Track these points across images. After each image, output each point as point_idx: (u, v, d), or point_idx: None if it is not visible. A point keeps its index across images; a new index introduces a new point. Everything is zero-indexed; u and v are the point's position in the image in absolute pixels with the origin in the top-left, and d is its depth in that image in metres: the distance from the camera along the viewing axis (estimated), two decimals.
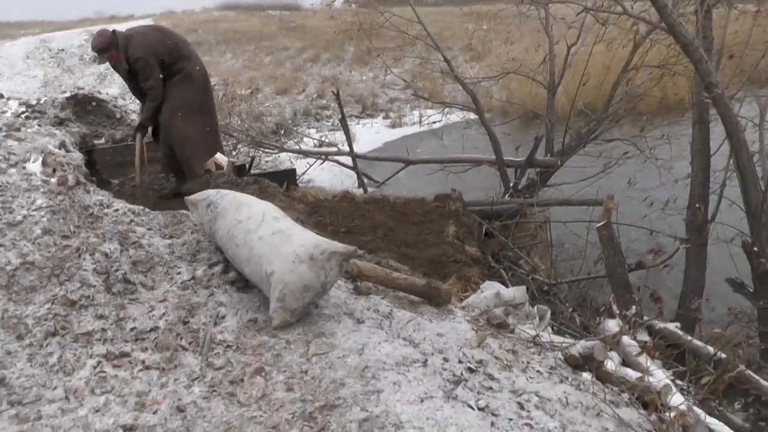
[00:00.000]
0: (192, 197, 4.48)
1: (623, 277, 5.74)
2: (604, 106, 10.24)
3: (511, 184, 9.88)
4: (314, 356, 3.30)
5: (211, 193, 4.34)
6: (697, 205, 6.96)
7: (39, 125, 6.01)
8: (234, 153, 13.73)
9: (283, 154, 15.04)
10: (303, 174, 14.70)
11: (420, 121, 19.88)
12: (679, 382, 4.91)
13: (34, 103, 12.84)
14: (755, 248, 6.06)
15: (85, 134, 6.72)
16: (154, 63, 6.16)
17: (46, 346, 3.39)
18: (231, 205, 4.12)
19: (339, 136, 17.85)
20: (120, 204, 4.87)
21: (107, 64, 6.27)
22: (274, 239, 3.70)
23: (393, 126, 21.05)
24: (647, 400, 3.64)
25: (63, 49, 27.36)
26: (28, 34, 32.94)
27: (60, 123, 15.95)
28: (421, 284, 4.55)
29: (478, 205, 8.98)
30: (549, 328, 5.60)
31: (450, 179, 11.26)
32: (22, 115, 17.23)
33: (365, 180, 13.89)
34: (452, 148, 12.69)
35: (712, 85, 5.82)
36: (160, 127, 6.47)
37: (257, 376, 3.18)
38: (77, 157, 5.41)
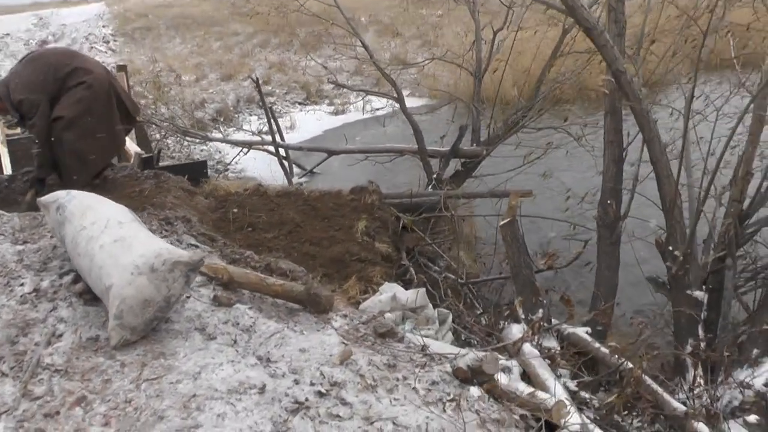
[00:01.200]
0: (44, 198, 4.19)
1: (528, 279, 5.61)
2: (532, 93, 10.13)
3: (434, 176, 9.71)
4: (145, 382, 3.07)
5: (60, 195, 4.05)
6: (609, 201, 6.84)
7: None
8: (158, 144, 13.44)
9: (223, 144, 14.82)
10: (229, 164, 14.51)
11: (363, 109, 19.70)
12: (584, 394, 4.81)
13: None
14: (670, 246, 5.97)
15: None
16: (38, 98, 5.82)
17: None
18: (78, 208, 3.84)
19: (281, 122, 17.66)
20: None
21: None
22: (114, 248, 3.45)
23: (336, 113, 20.94)
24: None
25: (8, 34, 26.73)
26: None
27: None
28: (299, 290, 4.37)
29: (397, 198, 8.80)
30: (450, 334, 5.47)
31: (383, 169, 11.11)
32: None
33: (296, 169, 13.74)
34: (394, 136, 12.47)
35: (619, 72, 5.69)
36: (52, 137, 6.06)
37: (77, 407, 2.94)
38: None
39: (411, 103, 17.22)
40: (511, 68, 10.42)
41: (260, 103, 16.04)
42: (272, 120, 12.74)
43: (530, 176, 9.37)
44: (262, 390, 3.06)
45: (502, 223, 5.61)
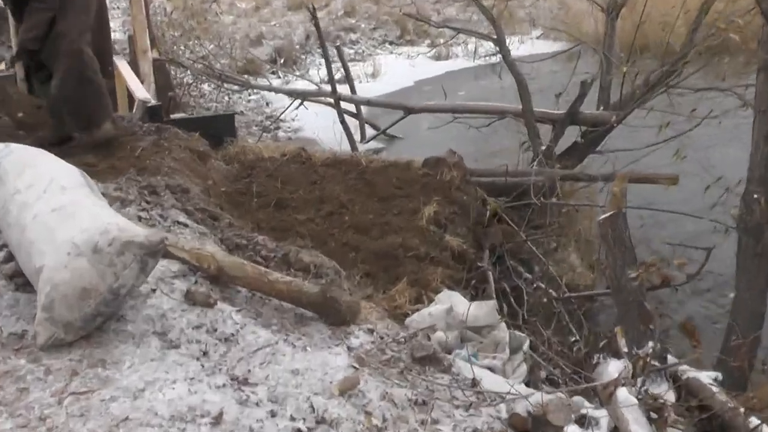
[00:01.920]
0: None
1: (636, 297, 5.47)
2: (685, 40, 9.89)
3: (543, 147, 9.61)
4: (71, 396, 3.16)
5: None
6: (755, 195, 6.57)
7: None
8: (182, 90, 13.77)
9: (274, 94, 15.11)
10: (275, 120, 14.71)
11: (474, 54, 19.60)
12: None
13: None
14: None
15: None
16: None
17: None
18: (15, 166, 3.97)
19: (361, 68, 17.76)
20: None
21: None
22: (51, 219, 3.55)
23: (437, 58, 20.89)
24: None
25: None
26: None
27: None
28: (312, 292, 4.41)
29: (487, 176, 8.78)
30: (524, 366, 5.41)
31: (479, 135, 11.11)
32: None
33: (370, 131, 13.85)
34: (509, 93, 12.36)
35: None
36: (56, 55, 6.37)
37: None
38: None
39: (540, 48, 17.13)
40: (655, 3, 10.14)
41: (336, 41, 16.24)
42: (331, 64, 12.82)
43: (669, 155, 9.15)
44: (217, 420, 3.10)
45: (601, 217, 5.49)
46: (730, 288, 7.35)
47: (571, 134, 10.28)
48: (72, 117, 6.60)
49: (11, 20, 7.07)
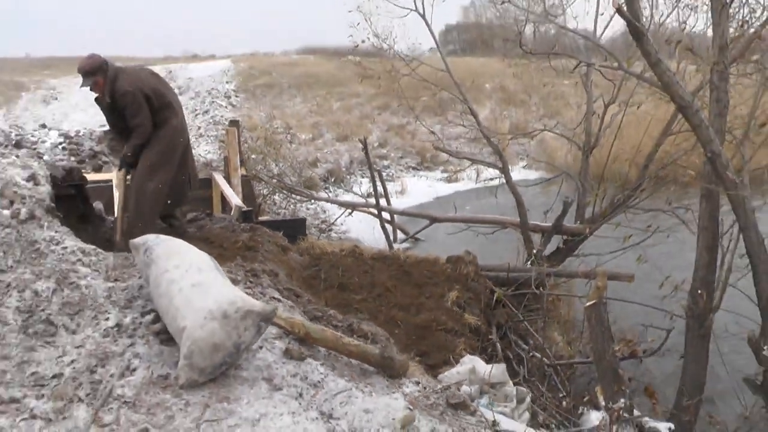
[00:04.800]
0: (135, 240, 4.50)
1: (611, 365, 5.51)
2: (640, 173, 10.05)
3: (535, 251, 9.72)
4: (205, 422, 3.24)
5: (150, 238, 4.36)
6: (699, 291, 6.64)
7: (17, 156, 6.12)
8: (263, 199, 14.00)
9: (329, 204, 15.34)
10: (332, 224, 14.93)
11: (476, 178, 19.91)
12: None
13: (72, 135, 13.23)
14: (764, 346, 5.74)
15: (72, 168, 6.82)
16: (142, 99, 6.21)
17: None
18: (164, 252, 4.12)
19: (392, 187, 18.08)
20: (71, 242, 4.92)
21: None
22: (192, 292, 3.67)
23: (449, 180, 21.25)
24: None
25: None
26: None
27: (93, 156, 16.48)
28: (373, 353, 4.47)
29: (493, 270, 8.86)
30: (527, 414, 5.43)
31: (484, 240, 11.21)
32: (60, 146, 17.89)
33: (400, 234, 14.02)
34: (506, 208, 12.54)
35: (714, 154, 5.63)
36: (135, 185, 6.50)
37: None
38: (44, 191, 5.45)
39: (525, 175, 17.37)
40: (620, 144, 10.35)
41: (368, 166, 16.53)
42: (377, 183, 13.11)
43: (632, 259, 9.22)
44: None
45: (587, 304, 5.56)
46: (678, 361, 7.35)
47: (555, 241, 10.40)
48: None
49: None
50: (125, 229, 6.37)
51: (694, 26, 9.50)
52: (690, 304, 6.72)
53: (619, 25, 10.44)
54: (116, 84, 6.24)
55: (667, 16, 9.79)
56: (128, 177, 6.64)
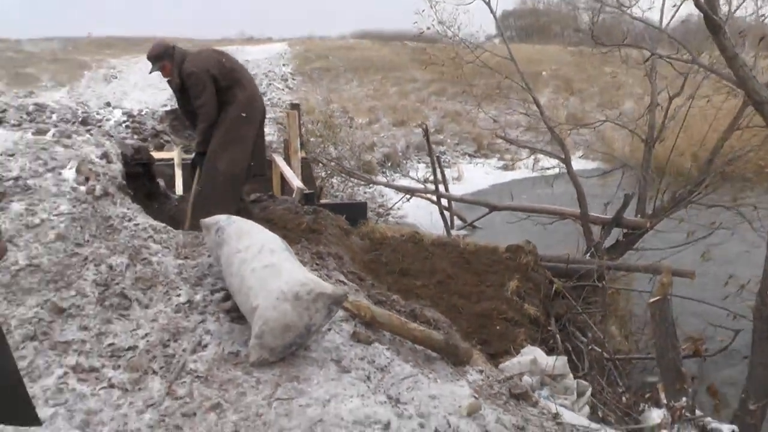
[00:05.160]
0: (206, 220, 4.57)
1: (674, 363, 5.42)
2: (704, 168, 9.86)
3: (594, 243, 9.62)
4: (276, 400, 3.28)
5: (221, 218, 4.42)
6: None
7: (91, 134, 6.25)
8: (322, 182, 14.10)
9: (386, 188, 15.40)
10: (391, 209, 14.96)
11: (533, 167, 19.77)
12: None
13: (135, 114, 13.48)
14: None
15: (140, 147, 6.94)
16: (207, 80, 6.21)
17: (22, 349, 3.51)
18: (235, 232, 4.17)
19: (448, 173, 18.06)
20: (142, 219, 5.03)
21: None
22: (264, 273, 3.72)
23: (505, 168, 21.18)
24: None
25: None
26: None
27: (155, 135, 16.77)
28: (438, 339, 4.48)
29: (552, 261, 8.79)
30: (587, 408, 5.39)
31: (543, 230, 11.12)
32: (123, 124, 18.26)
33: (457, 221, 14.00)
34: (562, 198, 12.44)
35: None
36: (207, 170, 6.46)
37: (212, 412, 3.19)
38: (116, 168, 5.58)
39: (582, 165, 17.22)
40: (684, 138, 10.16)
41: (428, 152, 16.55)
42: (437, 169, 13.06)
43: (692, 255, 9.07)
44: (387, 427, 3.19)
45: (651, 300, 5.48)
46: (743, 363, 7.21)
47: (615, 234, 10.28)
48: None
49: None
50: (195, 209, 6.38)
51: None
52: (759, 305, 6.53)
53: (680, 13, 10.22)
54: (183, 66, 6.30)
55: (738, 6, 9.57)
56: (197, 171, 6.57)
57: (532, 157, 19.30)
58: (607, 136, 19.66)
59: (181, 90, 6.41)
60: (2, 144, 5.28)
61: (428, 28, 11.95)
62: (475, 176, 20.20)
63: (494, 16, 11.06)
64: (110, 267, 4.28)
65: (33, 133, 5.80)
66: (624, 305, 9.28)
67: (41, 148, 5.34)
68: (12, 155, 5.15)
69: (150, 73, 6.50)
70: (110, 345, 3.66)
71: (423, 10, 11.66)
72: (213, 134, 6.35)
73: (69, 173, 5.17)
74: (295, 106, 12.02)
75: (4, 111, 14.79)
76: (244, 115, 6.40)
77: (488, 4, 10.59)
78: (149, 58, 6.37)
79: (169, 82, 6.47)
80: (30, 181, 4.89)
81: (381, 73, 31.60)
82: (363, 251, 7.50)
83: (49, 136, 5.74)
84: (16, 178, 4.88)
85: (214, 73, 6.30)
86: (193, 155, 6.81)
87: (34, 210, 4.67)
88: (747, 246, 9.70)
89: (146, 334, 3.78)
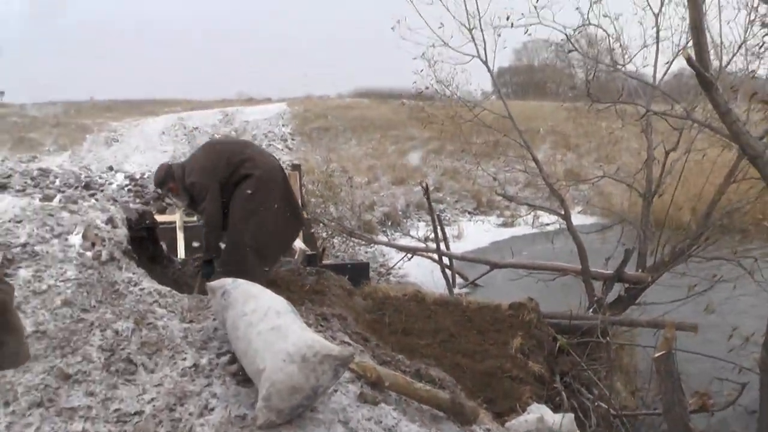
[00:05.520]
0: (212, 283, 4.60)
1: (682, 419, 5.41)
2: (702, 221, 9.92)
3: (596, 299, 9.62)
4: None
5: (227, 282, 4.45)
6: None
7: (96, 200, 6.33)
8: (323, 242, 14.13)
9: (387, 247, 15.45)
10: (392, 268, 14.97)
11: (532, 223, 19.84)
12: None
13: (137, 177, 13.62)
14: None
15: (144, 211, 7.00)
16: (209, 183, 6.28)
17: (28, 416, 3.51)
18: (241, 295, 4.20)
19: (448, 231, 18.09)
20: (148, 284, 5.06)
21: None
22: (270, 335, 3.74)
23: (505, 225, 21.22)
24: None
25: (197, 128, 29.43)
26: (171, 111, 35.56)
27: (157, 198, 16.90)
28: (444, 398, 4.48)
29: (555, 318, 8.79)
30: None
31: (544, 287, 11.12)
32: (126, 188, 18.38)
33: (459, 279, 14.00)
34: (562, 254, 12.45)
35: None
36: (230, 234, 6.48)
37: None
38: (121, 233, 5.63)
39: (582, 220, 17.27)
40: (682, 192, 10.25)
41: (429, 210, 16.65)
42: (437, 228, 13.12)
43: (695, 308, 9.07)
44: None
45: (656, 355, 5.48)
46: (750, 417, 7.17)
47: (617, 289, 10.28)
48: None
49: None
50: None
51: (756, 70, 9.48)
52: (764, 358, 6.49)
53: (673, 67, 10.44)
54: (185, 181, 6.42)
55: (729, 62, 9.76)
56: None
57: (532, 213, 19.36)
58: (606, 191, 19.78)
59: (192, 201, 6.55)
60: (10, 210, 5.34)
61: (427, 88, 12.14)
62: (475, 233, 20.26)
63: (491, 74, 11.26)
64: (116, 332, 4.30)
65: (40, 199, 5.89)
66: (629, 360, 9.24)
67: (48, 214, 5.40)
68: (19, 222, 5.21)
69: (162, 199, 6.61)
70: (116, 410, 3.66)
71: (422, 70, 11.85)
72: (230, 212, 6.37)
73: (75, 239, 5.23)
74: (296, 167, 12.14)
75: (9, 176, 15.05)
76: (249, 192, 6.39)
77: (485, 62, 10.77)
78: (156, 185, 6.59)
79: (176, 199, 6.58)
80: (37, 247, 4.95)
81: (380, 131, 31.95)
82: (366, 311, 7.50)
83: (55, 202, 5.82)
84: (24, 245, 4.94)
85: (218, 172, 6.36)
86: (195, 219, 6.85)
87: (41, 276, 4.71)
88: (750, 298, 9.72)
89: (152, 399, 3.78)
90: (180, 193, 6.51)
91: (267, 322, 3.86)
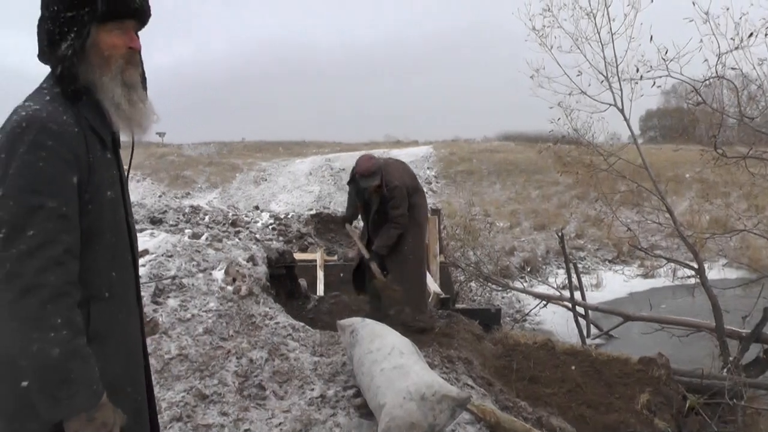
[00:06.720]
0: (343, 321, 4.84)
1: None
2: None
3: (731, 358, 9.22)
4: None
5: (356, 321, 4.69)
6: None
7: (239, 239, 6.75)
8: (460, 286, 14.23)
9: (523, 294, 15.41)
10: (527, 315, 14.87)
11: (673, 275, 19.18)
12: None
13: (282, 216, 14.30)
14: None
15: (284, 251, 7.35)
16: (405, 193, 6.68)
17: (169, 429, 3.83)
18: (368, 334, 4.41)
19: (587, 280, 17.81)
20: (283, 318, 5.36)
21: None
22: (392, 373, 3.90)
23: (645, 276, 20.62)
24: None
25: (343, 169, 30.32)
26: (318, 153, 36.86)
27: (300, 237, 17.54)
28: None
29: (686, 375, 8.50)
30: None
31: (677, 342, 10.79)
32: (270, 226, 19.16)
33: (594, 329, 13.76)
34: (703, 308, 11.99)
35: None
36: (397, 260, 6.82)
37: None
38: (261, 271, 6.02)
39: (725, 274, 16.53)
40: None
41: (569, 257, 16.49)
42: (572, 276, 12.97)
43: None
44: None
45: None
46: None
47: (754, 349, 9.82)
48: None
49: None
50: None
51: None
52: None
53: None
54: (387, 178, 6.67)
55: None
56: (383, 272, 6.84)
57: (672, 265, 18.74)
58: (753, 244, 18.91)
59: (371, 197, 6.82)
60: (164, 246, 5.82)
61: (563, 137, 12.09)
62: (614, 283, 19.74)
63: (627, 123, 11.10)
64: (251, 360, 4.60)
65: (189, 237, 6.34)
66: (765, 427, 8.77)
67: (195, 251, 5.84)
68: (171, 256, 5.66)
69: (363, 187, 6.79)
70: (246, 431, 3.91)
71: (558, 119, 11.81)
72: (404, 242, 6.79)
73: (218, 274, 5.63)
74: (435, 212, 12.34)
75: (165, 212, 16.07)
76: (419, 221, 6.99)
77: (621, 110, 10.66)
78: (366, 173, 6.60)
79: (365, 190, 6.76)
80: (185, 280, 5.36)
81: (524, 175, 31.73)
82: (494, 357, 7.53)
83: (202, 240, 6.26)
84: (173, 277, 5.36)
85: (407, 185, 6.77)
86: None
87: (186, 306, 5.11)
88: None
89: (280, 423, 4.02)
90: (381, 188, 6.70)
91: (390, 361, 4.03)
